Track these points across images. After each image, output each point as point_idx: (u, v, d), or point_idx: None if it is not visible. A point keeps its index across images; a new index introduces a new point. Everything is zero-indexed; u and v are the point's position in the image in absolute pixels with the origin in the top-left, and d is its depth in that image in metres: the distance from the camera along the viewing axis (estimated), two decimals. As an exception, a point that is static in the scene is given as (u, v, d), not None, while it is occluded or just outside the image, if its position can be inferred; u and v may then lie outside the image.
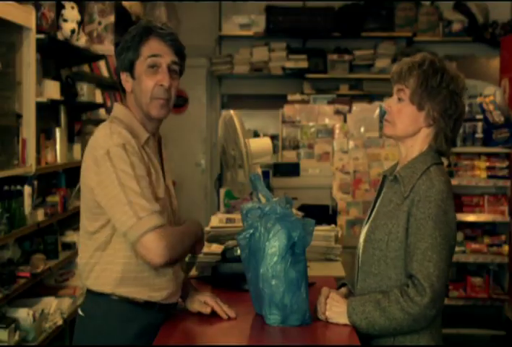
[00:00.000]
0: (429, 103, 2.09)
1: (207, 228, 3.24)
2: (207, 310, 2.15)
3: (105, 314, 2.07)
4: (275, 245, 2.02)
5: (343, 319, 2.06)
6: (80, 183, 2.09)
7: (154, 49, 2.07)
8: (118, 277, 2.04)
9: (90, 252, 2.07)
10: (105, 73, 5.51)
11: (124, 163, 1.97)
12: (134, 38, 2.08)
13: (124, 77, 2.12)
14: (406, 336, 2.05)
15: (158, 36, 2.07)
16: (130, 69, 2.09)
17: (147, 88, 2.07)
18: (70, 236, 4.44)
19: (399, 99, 2.13)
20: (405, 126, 2.13)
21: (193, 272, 2.77)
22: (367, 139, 5.56)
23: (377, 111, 5.57)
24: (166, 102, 2.09)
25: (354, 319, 2.03)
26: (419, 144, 2.14)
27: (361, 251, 2.17)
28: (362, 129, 5.65)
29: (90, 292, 2.11)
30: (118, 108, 2.16)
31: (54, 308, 3.86)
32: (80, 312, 2.14)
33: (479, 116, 5.14)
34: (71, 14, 4.12)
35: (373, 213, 2.18)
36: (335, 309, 2.08)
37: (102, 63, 5.46)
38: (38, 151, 3.93)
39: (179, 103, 7.91)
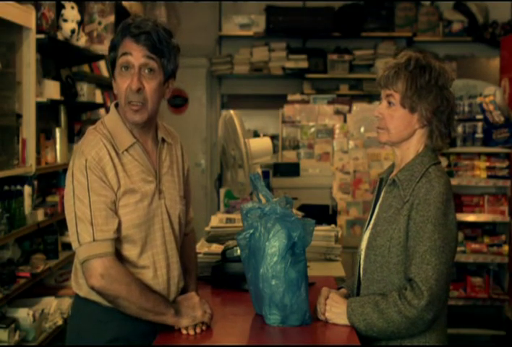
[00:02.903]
0: (420, 104, 2.05)
1: (207, 228, 3.24)
2: (183, 332, 2.05)
3: (82, 314, 2.09)
4: (275, 245, 2.02)
5: (343, 320, 2.05)
6: None
7: (125, 47, 2.00)
8: None
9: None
10: (105, 73, 5.51)
11: (81, 183, 1.97)
12: (115, 38, 2.04)
13: (112, 79, 2.08)
14: (413, 339, 2.04)
15: (131, 36, 1.99)
16: (113, 70, 2.06)
17: (121, 91, 2.01)
18: (70, 236, 4.43)
19: (389, 103, 2.10)
20: (399, 130, 2.10)
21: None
22: (367, 139, 5.56)
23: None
24: (141, 106, 2.01)
25: (353, 320, 2.02)
26: (414, 145, 2.11)
27: (362, 258, 2.15)
28: (362, 129, 5.65)
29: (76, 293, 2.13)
30: (110, 110, 2.13)
31: (54, 308, 3.86)
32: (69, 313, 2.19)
33: (479, 116, 5.13)
34: (71, 14, 4.12)
35: (373, 219, 2.16)
36: (335, 310, 2.08)
37: (102, 63, 5.46)
38: (38, 151, 3.93)
39: (179, 103, 7.91)
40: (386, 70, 2.10)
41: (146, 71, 2.01)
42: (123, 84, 2.00)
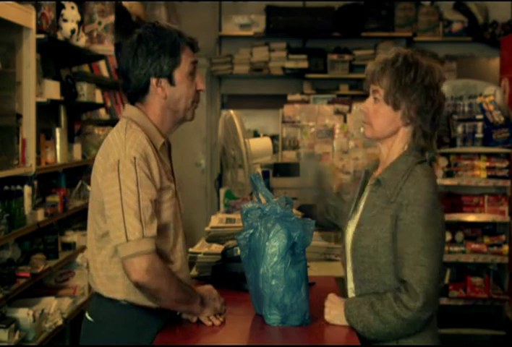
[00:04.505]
0: (404, 102, 2.04)
1: (207, 228, 3.24)
2: (193, 319, 2.12)
3: (119, 319, 2.06)
4: (275, 245, 2.02)
5: (342, 322, 2.05)
6: (91, 184, 2.10)
7: (191, 56, 2.14)
8: (130, 284, 2.01)
9: (101, 257, 2.06)
10: (105, 73, 5.51)
11: (130, 179, 1.96)
12: (173, 44, 2.09)
13: (160, 83, 2.09)
14: (409, 338, 2.04)
15: (189, 45, 2.14)
16: (170, 75, 2.10)
17: (190, 94, 2.15)
18: (70, 236, 4.44)
19: (375, 99, 2.09)
20: (382, 127, 2.09)
21: (193, 272, 2.77)
22: (366, 139, 5.56)
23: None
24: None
25: (351, 321, 2.02)
26: (398, 143, 2.11)
27: (349, 259, 2.13)
28: (362, 129, 5.64)
29: (101, 297, 2.09)
30: (132, 111, 2.13)
31: (54, 308, 3.86)
32: (89, 317, 2.12)
33: (479, 116, 5.13)
34: (71, 14, 4.12)
35: (357, 218, 2.13)
36: (333, 312, 2.07)
37: (102, 63, 5.46)
38: (38, 151, 3.93)
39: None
40: (374, 65, 2.09)
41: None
42: (191, 87, 2.15)
